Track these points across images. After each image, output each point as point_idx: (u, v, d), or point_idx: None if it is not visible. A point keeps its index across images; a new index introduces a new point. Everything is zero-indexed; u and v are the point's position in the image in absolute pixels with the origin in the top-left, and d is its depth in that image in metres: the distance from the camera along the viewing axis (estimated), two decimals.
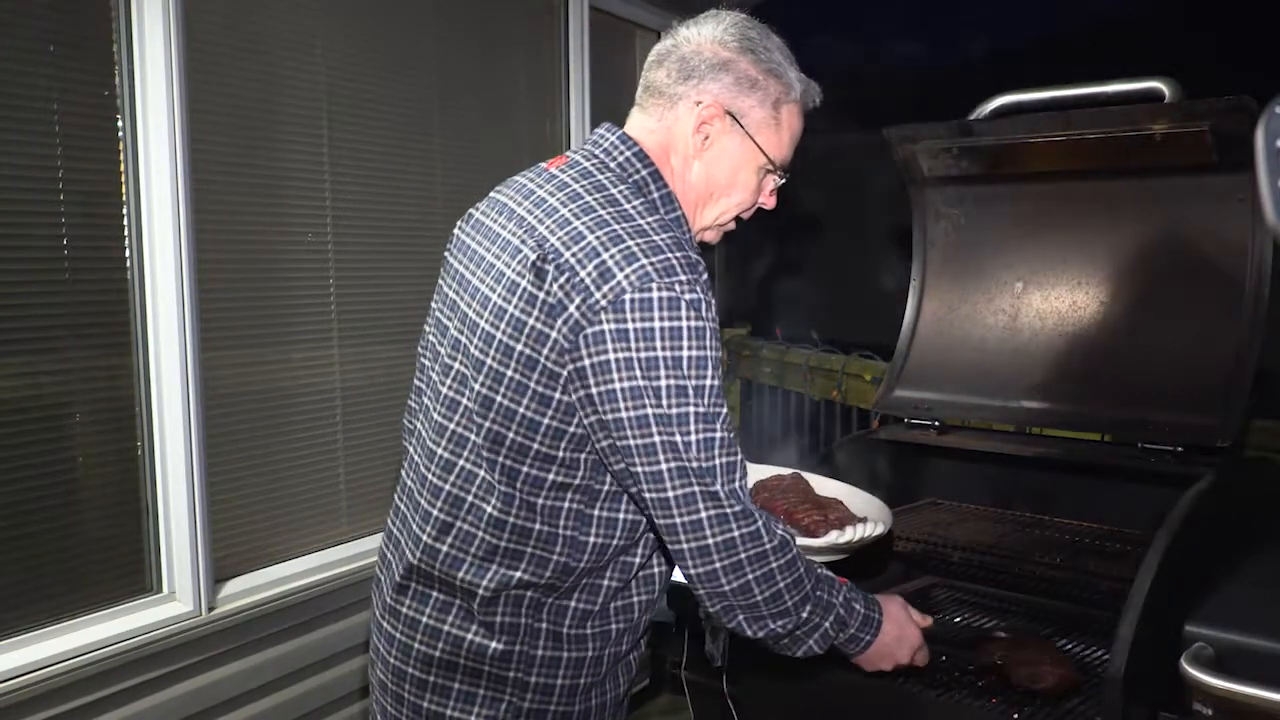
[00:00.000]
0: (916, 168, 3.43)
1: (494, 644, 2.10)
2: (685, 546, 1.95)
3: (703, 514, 1.92)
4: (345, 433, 3.86)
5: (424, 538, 2.17)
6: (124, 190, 3.14)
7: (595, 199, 2.06)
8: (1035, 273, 3.31)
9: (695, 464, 1.92)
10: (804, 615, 2.03)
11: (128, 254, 3.16)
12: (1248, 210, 2.88)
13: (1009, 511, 3.33)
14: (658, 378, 1.91)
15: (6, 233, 2.90)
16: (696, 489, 1.92)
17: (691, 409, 1.92)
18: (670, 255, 1.96)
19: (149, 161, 3.15)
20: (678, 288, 1.93)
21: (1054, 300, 3.26)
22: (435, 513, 2.15)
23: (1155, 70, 2.98)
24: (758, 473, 2.71)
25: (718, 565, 1.95)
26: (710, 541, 1.93)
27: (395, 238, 4.00)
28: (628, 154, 2.17)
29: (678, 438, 1.92)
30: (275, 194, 3.58)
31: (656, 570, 2.20)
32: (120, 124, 3.13)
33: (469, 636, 2.12)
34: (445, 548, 2.13)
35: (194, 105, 3.22)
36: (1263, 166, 1.14)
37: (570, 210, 2.04)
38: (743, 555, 1.94)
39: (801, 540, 2.32)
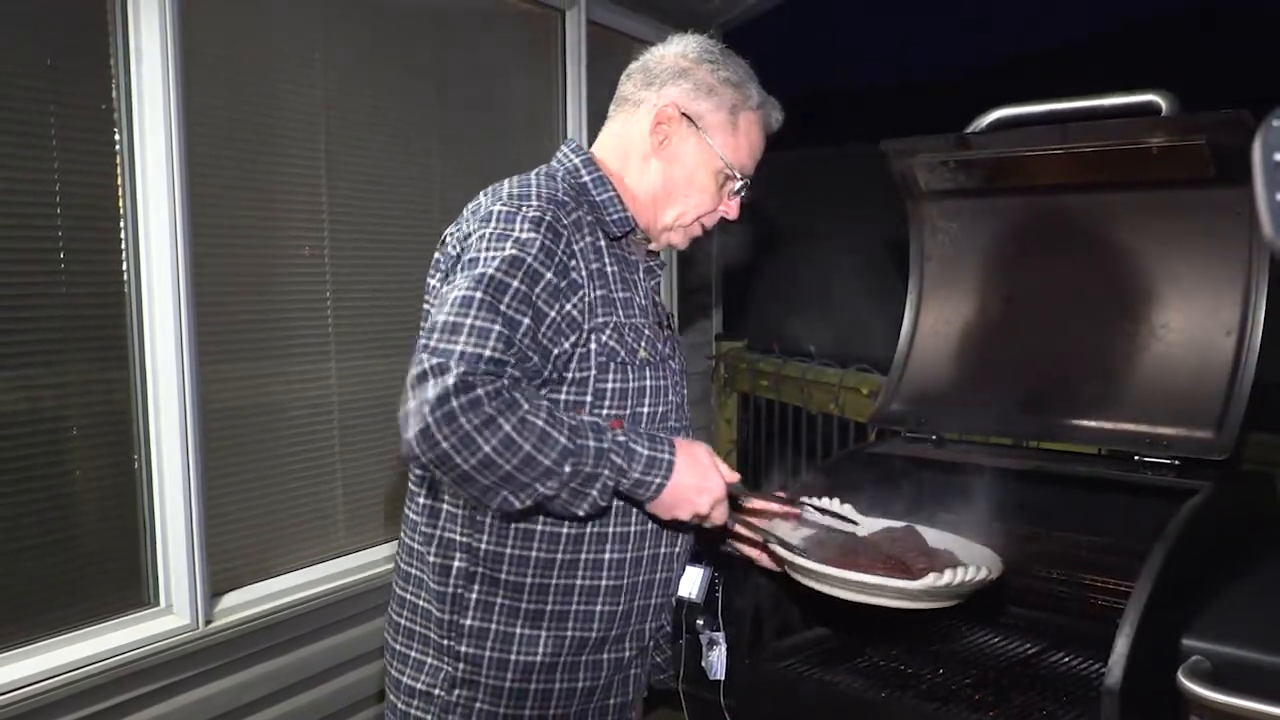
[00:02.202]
0: (914, 181, 3.43)
1: (432, 608, 2.24)
2: (405, 432, 1.91)
3: (431, 391, 1.87)
4: (342, 446, 3.86)
5: (406, 512, 2.36)
6: (121, 204, 3.14)
7: (511, 180, 2.26)
8: (1032, 286, 3.31)
9: (434, 343, 1.93)
10: (567, 470, 1.96)
11: (125, 267, 3.16)
12: (1245, 223, 2.88)
13: (1006, 525, 3.33)
14: (468, 275, 2.02)
15: (4, 245, 2.90)
16: (427, 366, 1.90)
17: (464, 292, 1.98)
18: (534, 189, 2.17)
19: (146, 175, 3.15)
20: (526, 209, 2.11)
21: (1051, 313, 3.26)
22: (410, 486, 2.33)
23: (1153, 83, 2.98)
24: (867, 526, 2.68)
25: (448, 446, 1.88)
26: (436, 415, 1.86)
27: (392, 251, 4.00)
28: (565, 150, 2.38)
29: (439, 317, 1.97)
30: (273, 207, 3.58)
31: (607, 555, 2.23)
32: (117, 137, 3.13)
33: (412, 599, 2.30)
34: (409, 513, 2.33)
35: (191, 119, 3.22)
36: (1260, 180, 1.14)
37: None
38: (470, 427, 1.87)
39: (900, 583, 2.31)
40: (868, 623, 3.17)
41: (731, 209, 2.38)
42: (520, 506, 1.99)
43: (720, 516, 2.19)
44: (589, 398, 2.16)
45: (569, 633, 2.21)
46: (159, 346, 3.19)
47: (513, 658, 2.19)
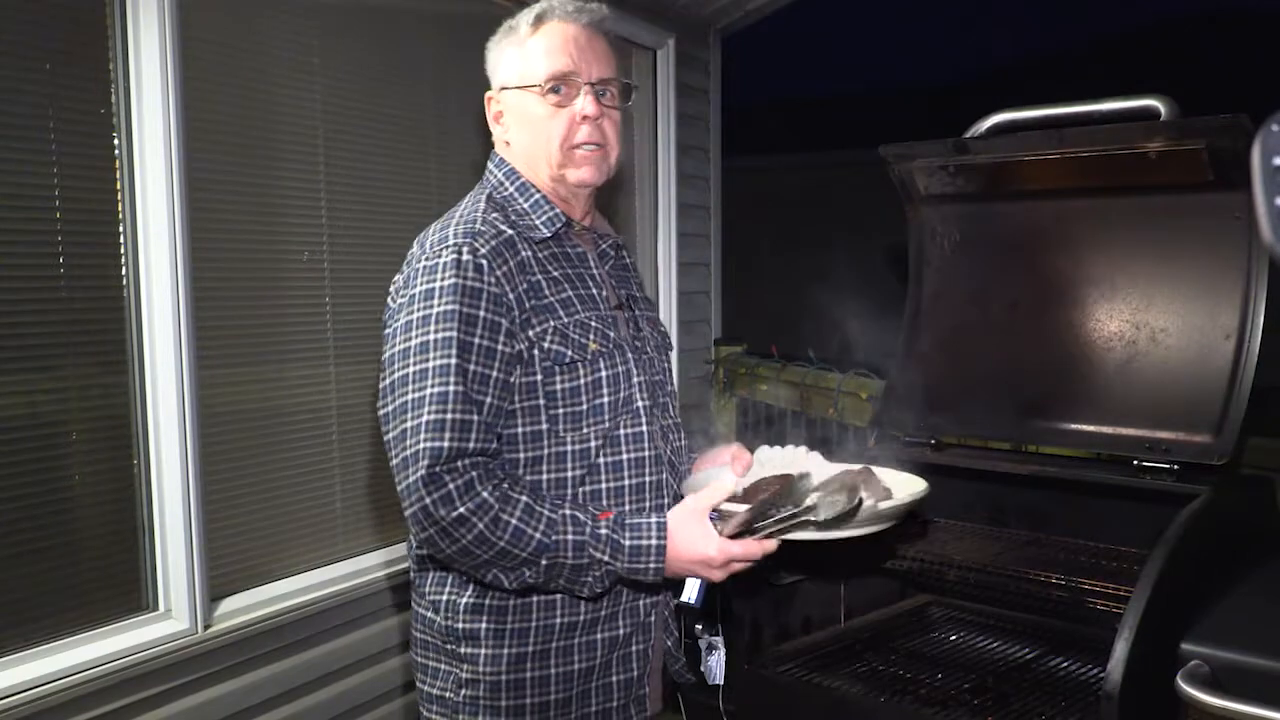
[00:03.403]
0: (913, 186, 3.43)
1: (434, 616, 2.30)
2: (407, 515, 2.10)
3: (410, 478, 2.06)
4: (341, 450, 3.85)
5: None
6: (120, 208, 3.14)
7: (439, 221, 2.38)
8: (1031, 290, 3.31)
9: (407, 423, 2.09)
10: (544, 563, 2.09)
11: (124, 272, 3.16)
12: (1244, 228, 2.88)
13: (1005, 529, 3.33)
14: (408, 339, 2.14)
15: (3, 251, 2.90)
16: (402, 456, 2.09)
17: (415, 367, 2.11)
18: (451, 230, 2.24)
19: (145, 179, 3.15)
20: (445, 253, 2.18)
21: (1050, 318, 3.26)
22: None
23: (1153, 87, 2.98)
24: (829, 470, 2.59)
25: (432, 532, 2.06)
26: (415, 509, 2.06)
27: (391, 256, 3.99)
28: (490, 165, 2.49)
29: (401, 396, 2.12)
30: (271, 212, 3.58)
31: None
32: (116, 142, 3.13)
33: (422, 611, 2.36)
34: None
35: (190, 123, 3.23)
36: (1259, 185, 1.14)
37: None
38: (445, 521, 2.04)
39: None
40: (866, 625, 3.18)
41: (591, 108, 2.33)
42: (511, 586, 2.15)
43: (740, 566, 2.18)
44: (540, 400, 2.21)
45: (558, 619, 2.25)
46: (158, 351, 3.19)
47: (505, 651, 2.23)
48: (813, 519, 2.11)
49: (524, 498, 2.09)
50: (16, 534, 2.94)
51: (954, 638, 3.17)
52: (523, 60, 2.35)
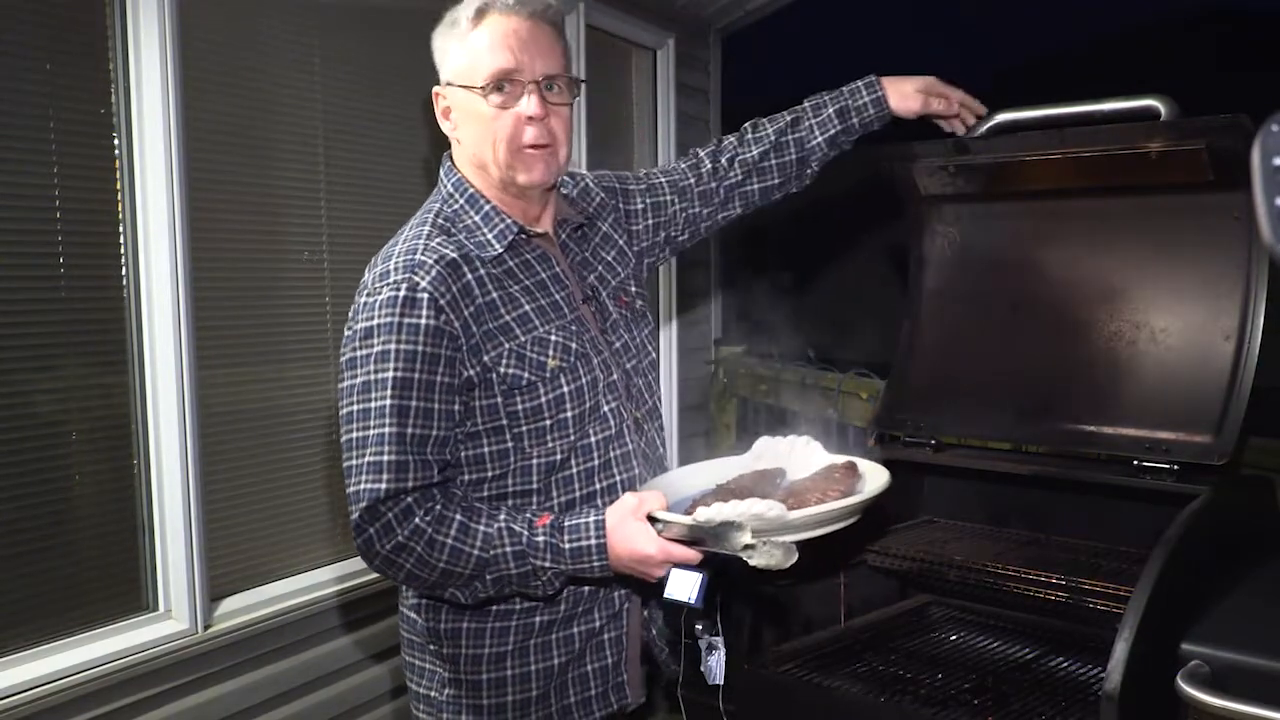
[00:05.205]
0: (913, 186, 3.43)
1: (417, 617, 2.34)
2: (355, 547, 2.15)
3: (353, 515, 2.13)
4: (341, 450, 3.85)
5: None
6: (120, 209, 3.14)
7: (384, 250, 2.32)
8: (1031, 290, 3.31)
9: (349, 460, 2.16)
10: (488, 578, 2.11)
11: (124, 272, 3.16)
12: (1244, 228, 2.88)
13: (1005, 529, 3.32)
14: (353, 376, 2.16)
15: (3, 251, 2.90)
16: (348, 492, 2.15)
17: (358, 406, 2.14)
18: (393, 262, 2.20)
19: (145, 180, 3.15)
20: (384, 290, 2.15)
21: (1050, 317, 3.26)
22: None
23: (1153, 87, 2.98)
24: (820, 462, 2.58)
25: (377, 563, 2.12)
26: (358, 542, 2.12)
27: None
28: (441, 174, 2.40)
29: (345, 434, 2.17)
30: (271, 212, 3.59)
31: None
32: (116, 143, 3.13)
33: (407, 612, 2.39)
34: None
35: (190, 124, 3.23)
36: (1259, 185, 1.14)
37: None
38: (385, 551, 2.09)
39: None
40: (866, 625, 3.18)
41: (536, 109, 2.22)
42: (468, 602, 2.18)
43: (681, 558, 2.11)
44: (503, 420, 2.20)
45: (537, 616, 2.27)
46: (158, 351, 3.19)
47: (485, 651, 2.26)
48: (746, 559, 2.06)
49: (458, 516, 2.11)
50: (16, 534, 2.95)
51: (954, 638, 3.17)
52: (465, 56, 2.24)
